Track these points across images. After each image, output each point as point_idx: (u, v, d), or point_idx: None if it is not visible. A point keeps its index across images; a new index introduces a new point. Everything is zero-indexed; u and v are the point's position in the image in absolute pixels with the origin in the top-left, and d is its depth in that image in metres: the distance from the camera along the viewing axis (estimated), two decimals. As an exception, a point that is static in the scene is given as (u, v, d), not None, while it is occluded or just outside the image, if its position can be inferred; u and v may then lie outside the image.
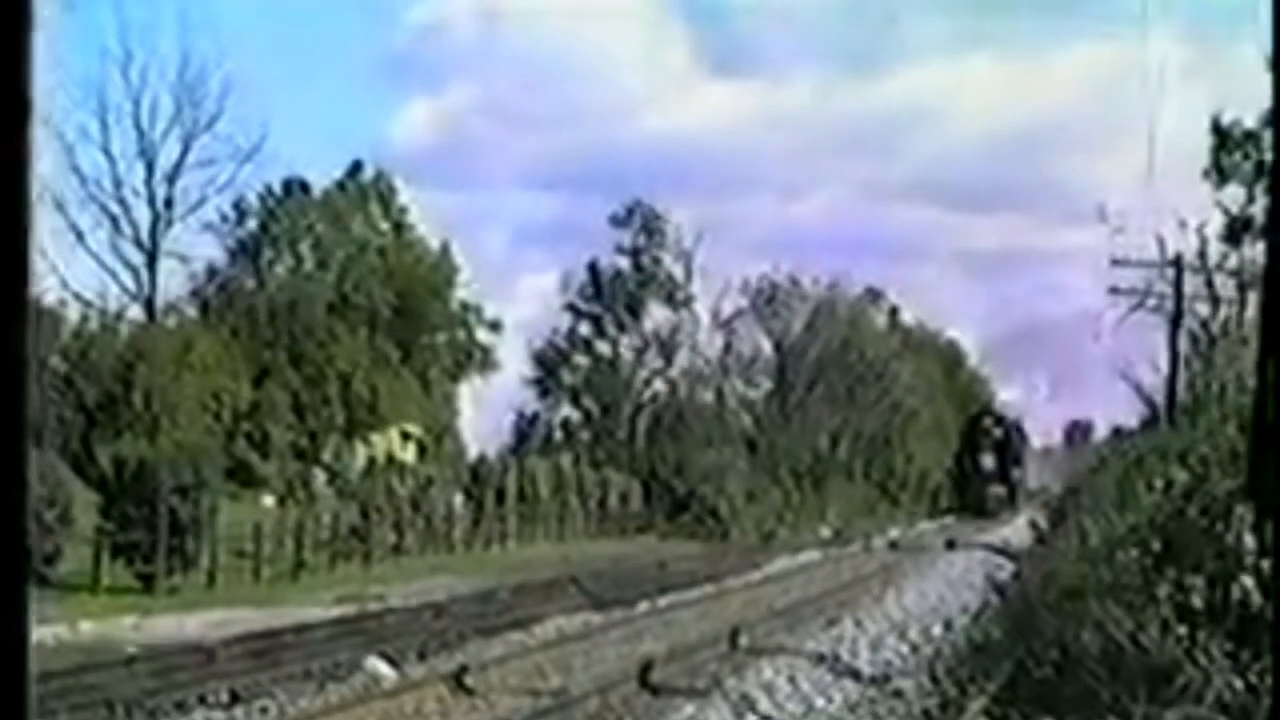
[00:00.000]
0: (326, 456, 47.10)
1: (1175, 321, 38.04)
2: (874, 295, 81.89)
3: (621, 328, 70.96)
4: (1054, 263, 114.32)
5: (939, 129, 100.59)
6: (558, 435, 68.15)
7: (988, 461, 76.52)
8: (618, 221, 70.74)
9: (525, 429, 68.55)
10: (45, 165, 41.33)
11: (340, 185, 57.74)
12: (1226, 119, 39.52)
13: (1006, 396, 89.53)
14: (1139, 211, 45.19)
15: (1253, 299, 35.82)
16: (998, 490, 75.18)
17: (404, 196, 59.89)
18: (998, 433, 78.35)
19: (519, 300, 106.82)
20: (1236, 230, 40.06)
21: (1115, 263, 39.87)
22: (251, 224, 55.92)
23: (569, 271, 70.96)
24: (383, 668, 14.20)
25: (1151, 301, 40.30)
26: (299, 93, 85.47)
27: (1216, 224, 41.99)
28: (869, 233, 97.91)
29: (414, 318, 56.67)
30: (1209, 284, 41.12)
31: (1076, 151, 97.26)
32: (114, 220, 50.97)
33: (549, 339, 70.28)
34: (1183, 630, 6.48)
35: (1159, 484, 10.30)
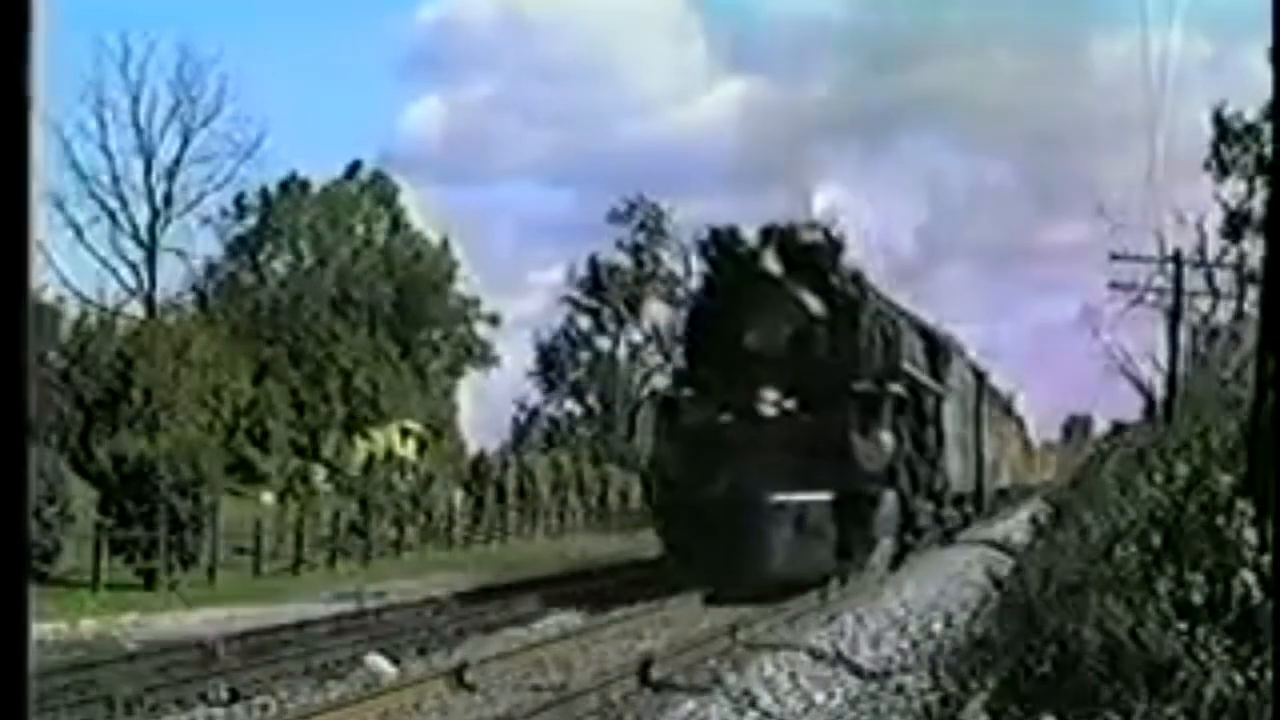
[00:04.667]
0: (326, 453, 47.14)
1: (1175, 316, 38.07)
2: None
3: (621, 324, 70.99)
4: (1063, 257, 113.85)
5: (954, 123, 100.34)
6: (558, 431, 68.17)
7: (768, 400, 21.14)
8: (616, 216, 70.76)
9: (524, 423, 68.57)
10: (44, 162, 41.35)
11: (340, 182, 57.81)
12: (1230, 112, 39.59)
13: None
14: (1152, 207, 45.25)
15: (1252, 293, 35.90)
16: (803, 510, 20.27)
17: (406, 193, 60.00)
18: (814, 305, 21.84)
19: (526, 295, 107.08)
20: (1236, 224, 40.08)
21: (1115, 258, 39.93)
22: (251, 220, 56.00)
23: (574, 265, 71.08)
24: (383, 664, 14.21)
25: (1151, 297, 40.38)
26: (311, 88, 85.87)
27: (1216, 218, 42.09)
28: (878, 227, 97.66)
29: (414, 313, 56.73)
30: (1209, 279, 41.16)
31: (1094, 145, 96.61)
32: (113, 216, 51.25)
33: (555, 332, 70.39)
34: (1183, 626, 6.49)
35: (1159, 478, 10.30)
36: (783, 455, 20.52)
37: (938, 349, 29.71)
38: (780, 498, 20.08)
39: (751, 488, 20.09)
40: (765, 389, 21.20)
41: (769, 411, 21.17)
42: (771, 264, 22.05)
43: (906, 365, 24.34)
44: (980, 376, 39.94)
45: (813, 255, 22.52)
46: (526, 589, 22.41)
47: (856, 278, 23.15)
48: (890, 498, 21.70)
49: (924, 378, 26.11)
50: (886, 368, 22.74)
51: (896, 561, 23.66)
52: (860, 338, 22.18)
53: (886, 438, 21.58)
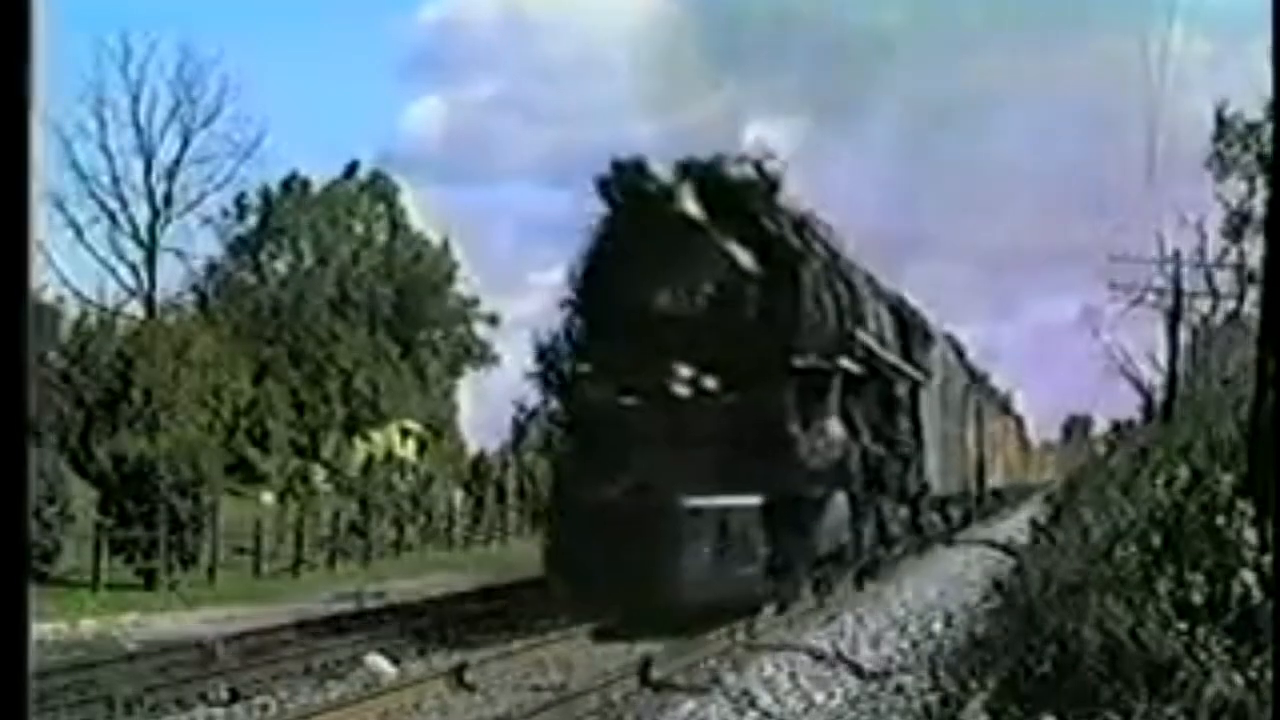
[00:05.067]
0: (326, 453, 47.14)
1: (1175, 316, 38.10)
2: None
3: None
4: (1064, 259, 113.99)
5: (957, 122, 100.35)
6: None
7: (683, 378, 17.00)
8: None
9: (524, 423, 68.50)
10: (44, 162, 41.40)
11: (340, 181, 57.78)
12: (1232, 111, 39.56)
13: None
14: (1152, 207, 45.26)
15: (1252, 293, 35.92)
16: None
17: (406, 193, 59.94)
18: (743, 257, 17.55)
19: (526, 295, 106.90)
20: (1237, 224, 40.07)
21: (1114, 259, 39.97)
22: (251, 220, 56.01)
23: (573, 265, 70.97)
24: (383, 664, 14.21)
25: (1151, 297, 40.40)
26: (312, 88, 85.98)
27: (1217, 218, 42.09)
28: (878, 228, 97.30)
29: (413, 314, 56.71)
30: (1208, 279, 41.16)
31: (1097, 144, 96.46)
32: (112, 216, 51.24)
33: (554, 333, 70.26)
34: (1183, 626, 6.49)
35: (1160, 479, 10.31)
36: (701, 448, 16.31)
37: (915, 328, 24.95)
38: (696, 502, 15.80)
39: (659, 489, 15.86)
40: (679, 364, 16.86)
41: (683, 392, 16.82)
42: (689, 205, 17.36)
43: (869, 340, 19.51)
44: (969, 367, 36.93)
45: (742, 195, 17.75)
46: (527, 589, 22.39)
47: (801, 225, 18.31)
48: (840, 502, 17.49)
49: (894, 358, 21.66)
50: (840, 340, 18.05)
51: (862, 577, 20.29)
52: (804, 300, 17.50)
53: (835, 427, 17.42)
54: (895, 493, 21.61)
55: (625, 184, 17.68)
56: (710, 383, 16.83)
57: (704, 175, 17.66)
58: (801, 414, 16.91)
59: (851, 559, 19.08)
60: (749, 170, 17.82)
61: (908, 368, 22.83)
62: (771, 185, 17.87)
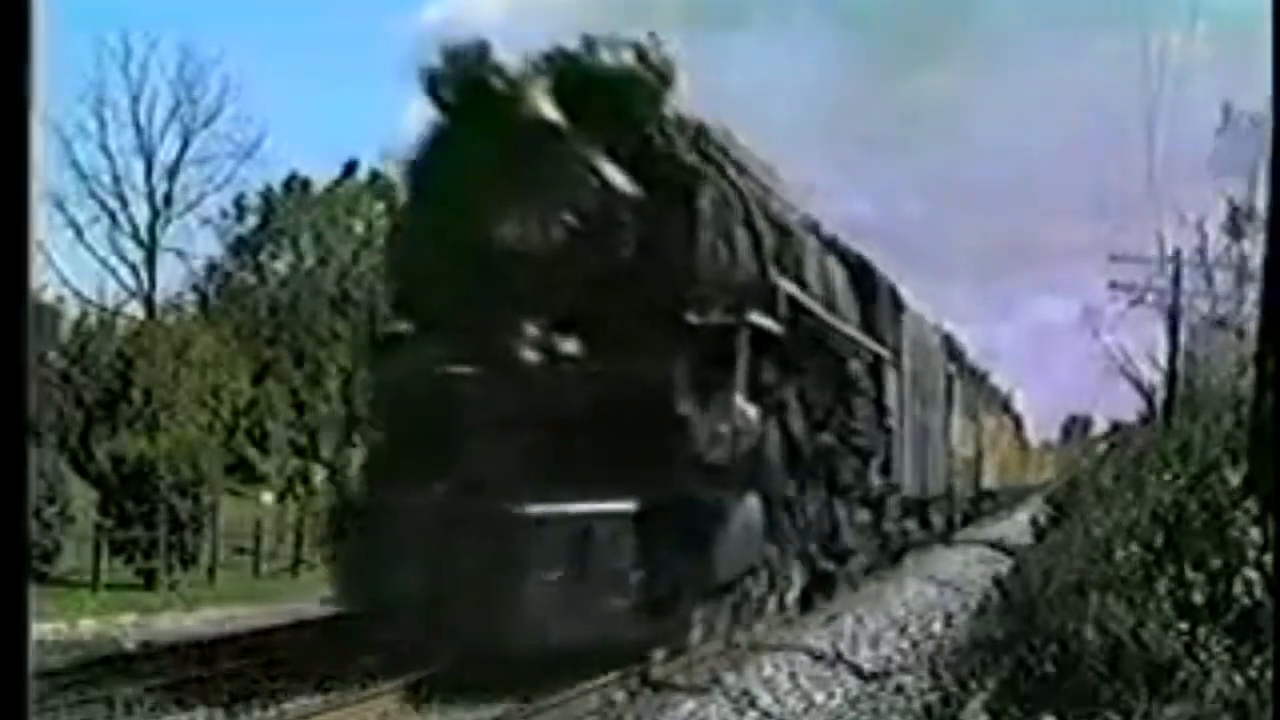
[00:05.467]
0: (326, 453, 47.10)
1: (1174, 316, 38.08)
2: None
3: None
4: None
5: (956, 123, 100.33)
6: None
7: (531, 339, 12.46)
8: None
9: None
10: (44, 162, 41.41)
11: (340, 181, 57.73)
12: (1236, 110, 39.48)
13: None
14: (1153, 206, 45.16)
15: (1252, 292, 35.89)
16: None
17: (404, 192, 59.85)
18: (616, 177, 12.84)
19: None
20: (1238, 222, 40.05)
21: (1114, 259, 39.94)
22: (252, 220, 55.98)
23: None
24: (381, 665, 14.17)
25: (1151, 297, 40.35)
26: (313, 87, 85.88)
27: (1218, 218, 42.04)
28: (878, 227, 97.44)
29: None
30: (1208, 279, 41.14)
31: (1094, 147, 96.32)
32: (112, 216, 51.19)
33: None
34: (1183, 626, 6.49)
35: (1164, 477, 10.31)
36: (554, 434, 11.97)
37: (879, 293, 20.40)
38: (544, 508, 11.34)
39: (495, 490, 11.51)
40: (527, 319, 12.52)
41: (532, 358, 12.42)
42: (544, 105, 12.81)
43: (802, 294, 14.83)
44: (962, 357, 33.57)
45: (620, 93, 13.10)
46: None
47: (700, 136, 13.73)
48: (753, 507, 13.00)
49: (846, 326, 17.53)
50: (757, 291, 13.39)
51: (809, 597, 16.94)
52: (701, 233, 12.87)
53: (746, 407, 12.75)
54: (851, 494, 17.95)
55: (459, 78, 13.14)
56: (569, 345, 12.60)
57: (567, 67, 13.24)
58: (697, 388, 12.45)
59: (781, 579, 15.32)
60: (630, 59, 13.28)
61: (864, 339, 18.72)
62: (661, 79, 13.29)
